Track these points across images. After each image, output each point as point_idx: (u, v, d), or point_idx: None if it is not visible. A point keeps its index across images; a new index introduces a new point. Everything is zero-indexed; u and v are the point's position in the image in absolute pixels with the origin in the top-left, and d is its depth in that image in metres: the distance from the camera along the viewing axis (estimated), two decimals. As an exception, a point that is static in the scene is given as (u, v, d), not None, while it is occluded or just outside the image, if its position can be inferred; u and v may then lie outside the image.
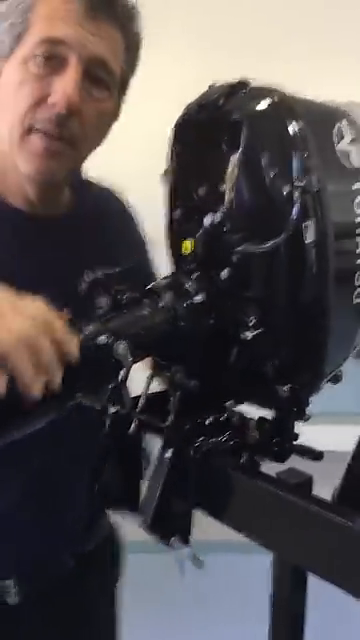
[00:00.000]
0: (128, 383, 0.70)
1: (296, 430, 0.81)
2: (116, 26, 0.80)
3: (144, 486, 0.79)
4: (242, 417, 0.83)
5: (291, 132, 0.70)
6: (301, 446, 0.84)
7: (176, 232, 0.80)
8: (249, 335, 0.73)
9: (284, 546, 0.67)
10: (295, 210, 0.69)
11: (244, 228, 0.73)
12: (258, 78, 0.73)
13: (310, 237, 0.71)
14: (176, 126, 0.79)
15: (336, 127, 0.75)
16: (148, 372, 0.80)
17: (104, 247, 0.94)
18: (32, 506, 0.87)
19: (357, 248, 0.73)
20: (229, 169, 0.73)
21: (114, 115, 0.87)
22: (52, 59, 0.78)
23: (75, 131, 0.80)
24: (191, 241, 0.76)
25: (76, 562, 0.94)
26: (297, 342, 0.75)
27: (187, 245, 0.77)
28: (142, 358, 0.73)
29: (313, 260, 0.71)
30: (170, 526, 0.72)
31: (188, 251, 0.77)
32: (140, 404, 0.78)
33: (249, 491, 0.70)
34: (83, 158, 0.87)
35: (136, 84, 0.90)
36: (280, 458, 0.82)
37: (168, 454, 0.72)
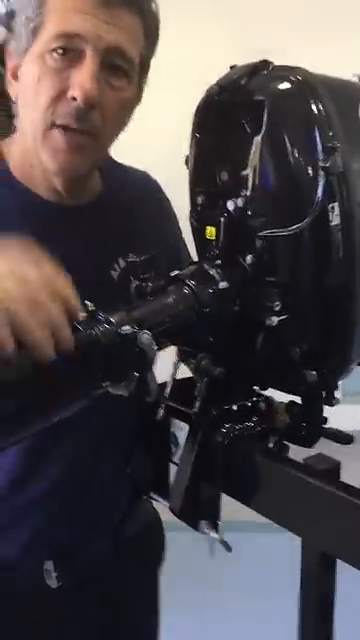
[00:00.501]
0: (155, 369, 0.70)
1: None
2: (132, 11, 0.78)
3: (172, 471, 0.80)
4: (270, 402, 0.83)
5: (315, 111, 0.69)
6: (330, 429, 0.84)
7: (200, 218, 0.79)
8: (275, 321, 0.72)
9: (312, 532, 0.67)
10: (319, 192, 0.67)
11: (268, 212, 0.72)
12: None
13: (336, 220, 0.69)
14: (197, 109, 0.78)
15: (360, 105, 0.73)
16: (175, 358, 0.80)
17: (137, 233, 0.94)
18: (65, 493, 0.89)
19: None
20: (252, 151, 0.72)
21: (135, 101, 0.86)
22: (69, 52, 0.77)
23: (96, 123, 0.79)
24: (215, 227, 0.75)
25: (115, 548, 0.95)
26: (324, 327, 0.75)
27: (211, 231, 0.76)
28: (167, 346, 0.73)
29: (339, 243, 0.70)
30: (199, 511, 0.73)
31: (212, 237, 0.76)
32: (168, 390, 0.79)
33: (277, 477, 0.70)
34: (107, 147, 0.86)
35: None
36: (308, 443, 0.81)
37: (196, 441, 0.73)
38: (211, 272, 0.74)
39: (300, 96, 0.69)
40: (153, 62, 0.87)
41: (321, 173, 0.67)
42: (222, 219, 0.74)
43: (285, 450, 0.82)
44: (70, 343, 0.59)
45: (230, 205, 0.74)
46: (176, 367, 0.79)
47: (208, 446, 0.73)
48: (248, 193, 0.72)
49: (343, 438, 0.84)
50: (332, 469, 0.68)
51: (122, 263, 0.90)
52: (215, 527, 0.73)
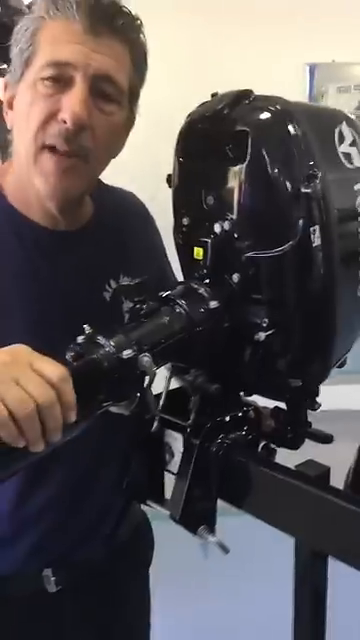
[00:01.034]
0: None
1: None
2: (120, 40, 0.81)
3: (167, 479, 0.85)
4: (257, 409, 0.88)
5: (295, 140, 0.73)
6: (311, 429, 0.89)
7: (186, 238, 0.83)
8: (262, 336, 0.77)
9: (305, 532, 0.73)
10: (301, 216, 0.72)
11: (253, 235, 0.76)
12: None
13: (317, 241, 0.74)
14: (180, 135, 0.81)
15: (337, 130, 0.78)
16: (167, 373, 0.84)
17: (127, 254, 0.97)
18: (63, 506, 0.92)
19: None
20: (237, 178, 0.75)
21: (127, 125, 0.89)
22: (59, 79, 0.80)
23: (86, 144, 0.81)
24: (202, 247, 0.79)
25: (110, 552, 1.00)
26: (307, 338, 0.79)
27: (199, 252, 0.80)
28: (164, 364, 0.77)
29: (320, 262, 0.75)
30: (197, 518, 0.78)
31: (200, 257, 0.80)
32: (161, 403, 0.82)
33: (270, 484, 0.75)
34: (98, 170, 0.89)
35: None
36: (295, 445, 0.87)
37: (192, 452, 0.77)
38: (200, 291, 0.78)
39: (281, 126, 0.73)
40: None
41: (303, 198, 0.72)
42: (209, 240, 0.78)
43: (273, 454, 0.87)
44: (58, 438, 0.63)
45: (217, 227, 0.78)
46: (169, 382, 0.83)
47: (204, 456, 0.78)
48: (234, 217, 0.76)
49: (323, 438, 0.90)
50: (322, 475, 0.73)
51: (113, 284, 0.93)
52: (212, 531, 0.78)
